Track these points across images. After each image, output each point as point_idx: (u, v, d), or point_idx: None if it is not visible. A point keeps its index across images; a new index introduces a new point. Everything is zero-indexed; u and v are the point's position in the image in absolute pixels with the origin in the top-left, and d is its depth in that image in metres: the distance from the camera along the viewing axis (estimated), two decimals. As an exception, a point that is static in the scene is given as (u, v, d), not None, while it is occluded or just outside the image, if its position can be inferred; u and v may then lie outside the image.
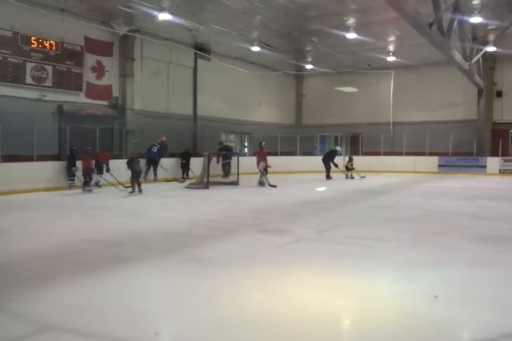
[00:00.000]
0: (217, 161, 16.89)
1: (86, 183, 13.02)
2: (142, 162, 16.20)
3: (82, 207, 10.46)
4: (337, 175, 18.30)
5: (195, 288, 4.44)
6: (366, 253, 5.84)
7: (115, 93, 17.08)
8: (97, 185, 13.99)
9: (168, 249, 6.15)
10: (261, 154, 15.39)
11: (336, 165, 18.21)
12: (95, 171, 13.52)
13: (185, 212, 9.82)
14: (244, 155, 22.95)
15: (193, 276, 4.81)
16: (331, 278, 4.80)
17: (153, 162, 16.37)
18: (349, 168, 18.80)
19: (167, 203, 11.29)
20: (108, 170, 13.91)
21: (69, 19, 14.80)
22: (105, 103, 16.79)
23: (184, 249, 6.12)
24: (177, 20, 15.37)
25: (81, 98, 15.82)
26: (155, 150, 16.47)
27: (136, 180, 12.70)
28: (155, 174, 16.46)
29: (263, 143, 16.25)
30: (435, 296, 4.11)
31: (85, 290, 4.36)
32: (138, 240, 6.68)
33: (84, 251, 5.98)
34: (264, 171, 14.89)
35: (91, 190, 12.96)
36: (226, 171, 17.19)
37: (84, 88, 15.86)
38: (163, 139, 16.95)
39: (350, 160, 19.01)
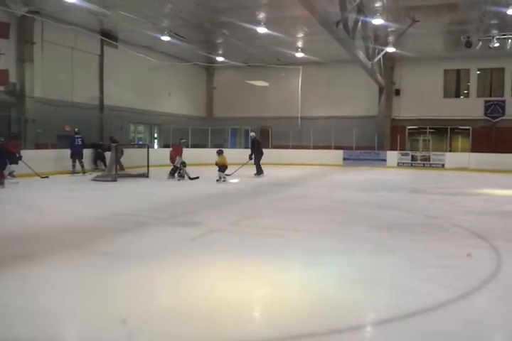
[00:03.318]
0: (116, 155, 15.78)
1: None
2: (51, 154, 15.45)
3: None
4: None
5: (105, 284, 4.24)
6: (278, 243, 5.96)
7: (12, 78, 15.81)
8: (12, 175, 13.25)
9: (74, 244, 5.81)
10: (177, 149, 15.02)
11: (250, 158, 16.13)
12: None
13: (92, 205, 9.37)
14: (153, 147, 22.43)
15: (101, 272, 4.60)
16: (244, 268, 4.83)
17: (78, 155, 15.61)
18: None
19: (72, 196, 10.69)
20: (21, 158, 13.31)
21: (-42, -5, 13.47)
22: (1, 89, 15.49)
23: (91, 243, 5.83)
24: (82, 3, 14.55)
25: (-28, 82, 14.50)
26: (80, 143, 15.65)
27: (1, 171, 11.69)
28: (82, 166, 15.67)
29: (183, 139, 15.93)
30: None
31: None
32: (40, 236, 6.25)
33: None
34: (182, 165, 14.65)
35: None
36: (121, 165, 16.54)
37: (-25, 71, 14.54)
38: (67, 129, 16.05)
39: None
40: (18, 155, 13.42)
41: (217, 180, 13.77)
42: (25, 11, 15.49)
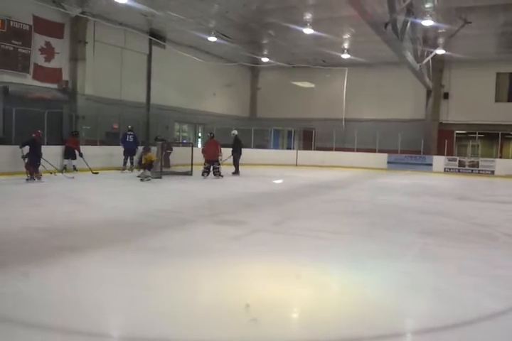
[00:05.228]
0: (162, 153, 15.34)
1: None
2: (100, 150, 15.98)
3: (27, 194, 9.99)
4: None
5: (147, 278, 4.34)
6: (320, 245, 5.91)
7: (65, 76, 16.39)
8: (74, 169, 14.36)
9: (119, 238, 5.98)
10: (217, 144, 15.15)
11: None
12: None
13: (138, 201, 9.60)
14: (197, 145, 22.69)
15: (145, 266, 4.69)
16: (286, 269, 4.81)
17: (130, 152, 15.83)
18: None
19: (118, 192, 11.00)
20: (81, 155, 14.21)
21: (17, -4, 14.07)
22: (54, 86, 16.08)
23: (136, 238, 5.96)
24: (132, 4, 14.91)
25: (28, 80, 15.07)
26: (131, 140, 15.83)
27: (34, 165, 11.79)
28: (131, 163, 15.90)
29: (212, 133, 16.01)
30: None
31: (29, 280, 4.16)
32: (87, 229, 6.45)
33: (29, 240, 5.68)
34: (217, 163, 14.83)
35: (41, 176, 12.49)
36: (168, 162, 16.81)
37: (31, 70, 15.12)
38: (115, 126, 16.50)
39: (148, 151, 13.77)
40: (78, 152, 14.25)
41: (141, 180, 12.99)
42: (79, 12, 16.03)
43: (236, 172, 16.19)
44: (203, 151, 15.05)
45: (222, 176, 14.72)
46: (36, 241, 5.65)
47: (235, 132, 16.73)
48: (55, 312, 3.46)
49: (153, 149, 14.22)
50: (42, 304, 3.60)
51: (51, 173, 13.05)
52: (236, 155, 16.31)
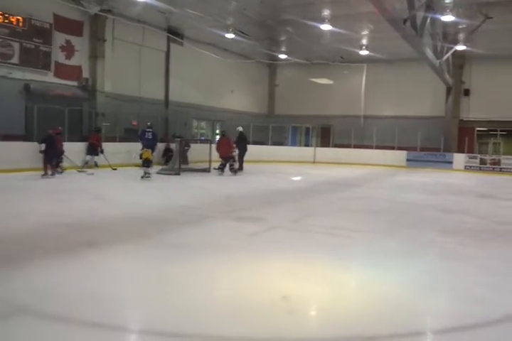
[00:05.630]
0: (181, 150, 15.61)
1: (57, 165, 12.67)
2: (120, 147, 16.08)
3: (47, 189, 10.13)
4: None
5: (166, 273, 4.38)
6: (339, 243, 5.88)
7: (85, 74, 16.56)
8: (96, 165, 14.65)
9: (139, 234, 6.03)
10: (229, 142, 15.20)
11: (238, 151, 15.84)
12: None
13: (157, 197, 9.67)
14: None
15: (164, 261, 4.74)
16: (304, 266, 4.80)
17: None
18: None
19: (137, 188, 11.09)
20: (102, 152, 14.54)
21: (38, -5, 14.27)
22: (74, 84, 16.27)
23: (155, 234, 6.02)
24: (150, 1, 15.01)
25: (49, 77, 15.28)
26: (150, 137, 15.54)
27: (49, 162, 11.94)
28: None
29: (224, 131, 16.11)
30: None
31: (53, 274, 4.23)
32: (107, 225, 6.53)
33: (51, 235, 5.78)
34: (232, 159, 14.92)
35: (61, 172, 12.71)
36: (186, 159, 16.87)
37: (52, 67, 15.31)
38: (134, 123, 16.63)
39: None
40: (100, 148, 14.53)
41: (141, 177, 12.46)
42: (98, 10, 16.16)
43: (240, 169, 15.96)
44: (217, 149, 15.09)
45: (235, 172, 14.75)
46: (56, 236, 5.74)
47: (240, 128, 16.64)
48: (75, 305, 3.51)
49: (172, 146, 14.38)
50: (61, 297, 3.66)
51: (79, 171, 13.49)
52: (241, 151, 16.13)
